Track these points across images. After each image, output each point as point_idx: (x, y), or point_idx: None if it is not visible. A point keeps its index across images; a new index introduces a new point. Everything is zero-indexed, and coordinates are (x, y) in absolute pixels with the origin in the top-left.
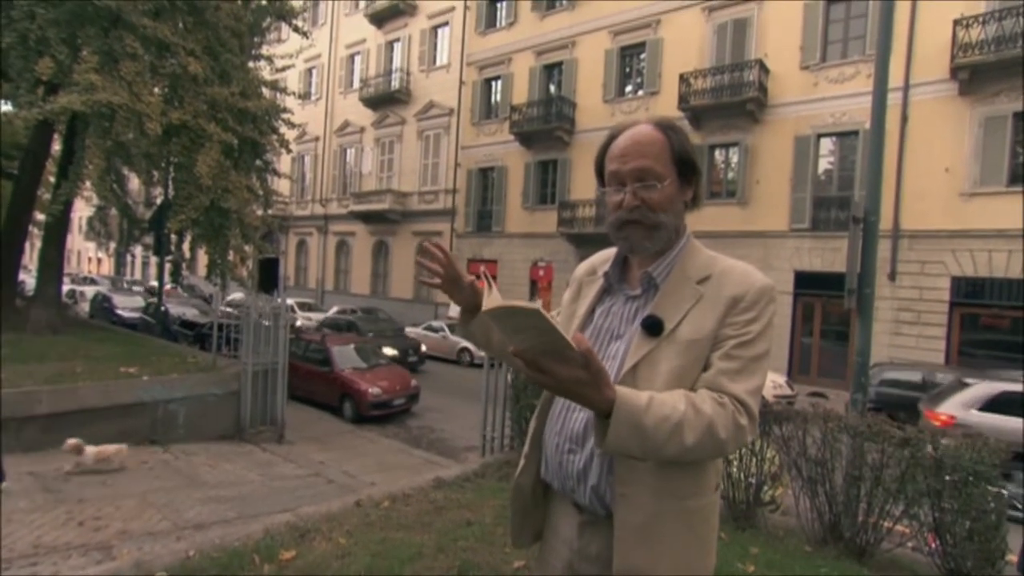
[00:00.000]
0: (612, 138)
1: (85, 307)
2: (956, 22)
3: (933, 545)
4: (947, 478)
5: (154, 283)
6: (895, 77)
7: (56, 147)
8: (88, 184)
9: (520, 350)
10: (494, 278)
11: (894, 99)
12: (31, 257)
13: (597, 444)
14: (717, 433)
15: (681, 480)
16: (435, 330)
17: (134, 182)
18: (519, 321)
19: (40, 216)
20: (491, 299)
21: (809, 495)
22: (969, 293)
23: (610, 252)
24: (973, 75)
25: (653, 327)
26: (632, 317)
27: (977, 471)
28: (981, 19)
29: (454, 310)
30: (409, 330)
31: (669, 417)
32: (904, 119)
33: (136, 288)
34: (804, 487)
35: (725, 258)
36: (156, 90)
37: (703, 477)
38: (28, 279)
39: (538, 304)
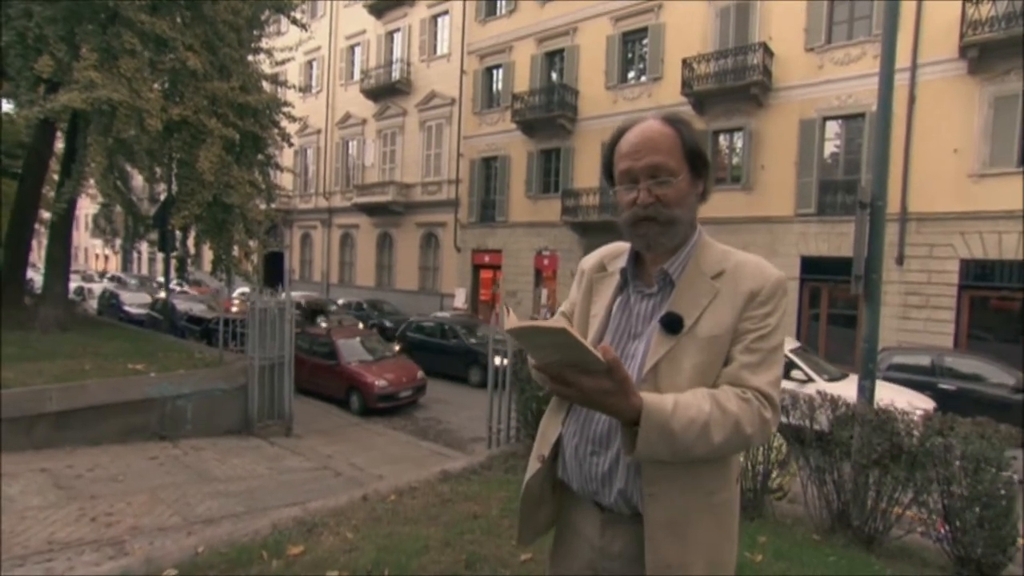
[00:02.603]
0: (620, 135)
1: (93, 304)
2: None
3: (943, 531)
4: (956, 463)
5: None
6: (902, 57)
7: (60, 145)
8: (92, 182)
9: (544, 364)
10: (498, 268)
11: (901, 80)
12: (39, 255)
13: (626, 452)
14: (744, 429)
15: (707, 475)
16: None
17: (139, 178)
18: (543, 338)
19: (46, 214)
20: (511, 319)
21: (817, 483)
22: (978, 276)
23: (618, 247)
24: (982, 53)
25: (672, 325)
26: (650, 315)
27: (987, 457)
28: None
29: (459, 300)
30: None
31: (696, 419)
32: (912, 100)
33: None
34: (812, 475)
35: (736, 252)
36: (156, 86)
37: (727, 471)
38: (37, 277)
39: (563, 322)
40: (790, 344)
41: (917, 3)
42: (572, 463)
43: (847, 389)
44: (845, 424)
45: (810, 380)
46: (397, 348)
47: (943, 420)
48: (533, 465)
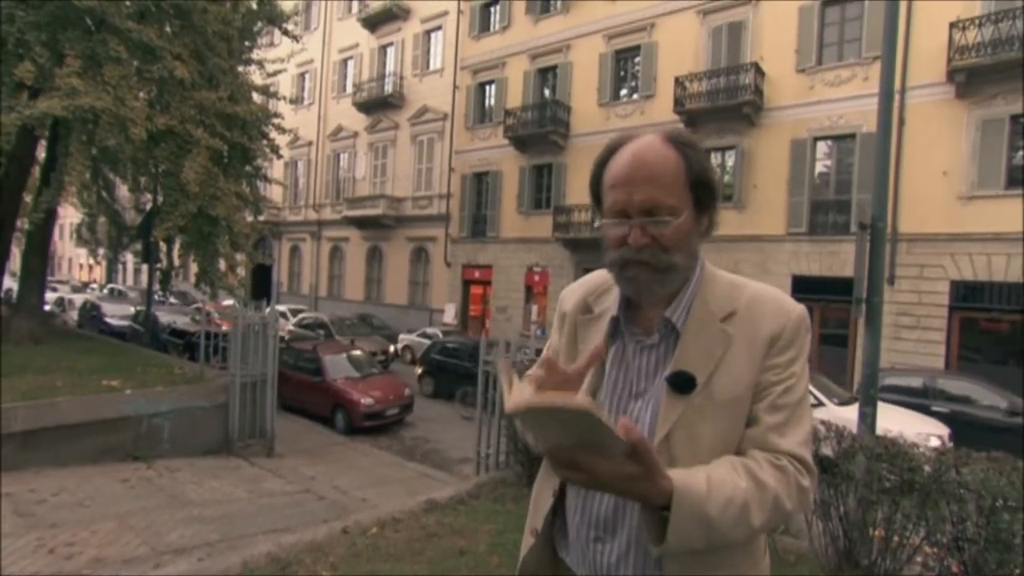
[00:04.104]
0: (610, 154)
1: (74, 315)
2: (952, 24)
3: (957, 572)
4: (962, 491)
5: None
6: None
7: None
8: (74, 190)
9: (552, 448)
10: (489, 284)
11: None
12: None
13: (653, 543)
14: (783, 505)
15: (736, 555)
16: (430, 337)
17: (125, 188)
18: (555, 417)
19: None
20: (518, 392)
21: (822, 518)
22: (967, 297)
23: (602, 279)
24: (970, 77)
25: (683, 384)
26: (653, 370)
27: (1005, 495)
28: (977, 21)
29: (449, 316)
30: (403, 337)
31: (733, 499)
32: (901, 122)
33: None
34: (816, 510)
35: (747, 284)
36: (142, 95)
37: (755, 547)
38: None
39: (585, 400)
40: None
41: (906, 28)
42: (574, 545)
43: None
44: (852, 457)
45: (820, 404)
46: (419, 371)
47: (957, 454)
48: (527, 540)
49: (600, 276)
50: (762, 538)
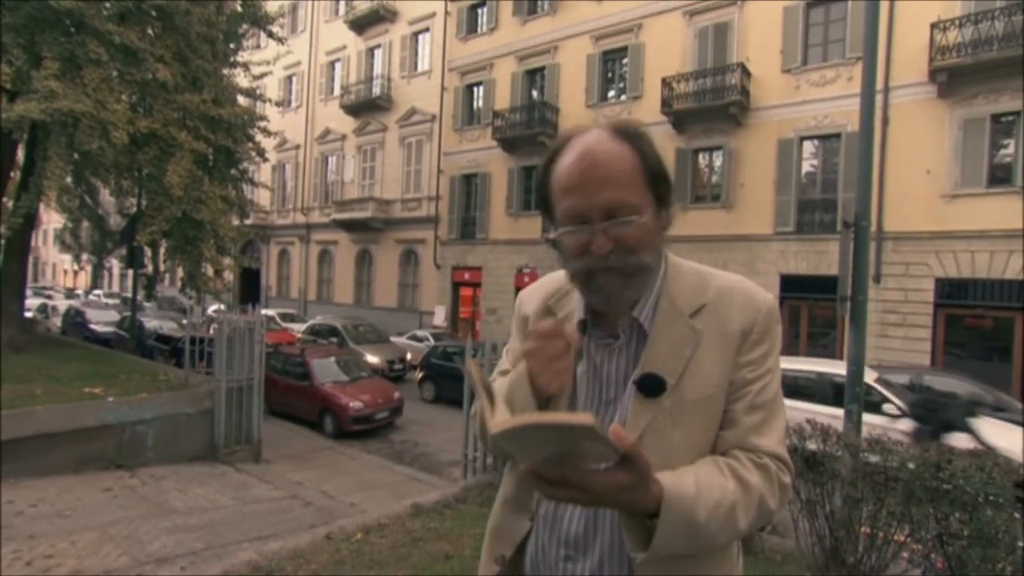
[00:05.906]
0: (556, 154)
1: (57, 322)
2: (933, 25)
3: (941, 568)
4: (946, 487)
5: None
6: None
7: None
8: (54, 195)
9: (540, 465)
10: (478, 286)
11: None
12: None
13: (635, 550)
14: (767, 505)
15: (713, 556)
16: (419, 339)
17: (108, 192)
18: (545, 434)
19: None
20: (501, 414)
21: (808, 517)
22: (952, 294)
23: (562, 282)
24: (951, 77)
25: (653, 387)
26: (622, 375)
27: (987, 492)
28: (958, 22)
29: (439, 318)
30: (394, 339)
31: (721, 502)
32: (885, 121)
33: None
34: (803, 509)
35: (713, 274)
36: (123, 97)
37: (730, 549)
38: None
39: (587, 416)
40: (871, 375)
41: (888, 28)
42: (540, 565)
43: None
44: (837, 455)
45: (904, 415)
46: (419, 376)
47: (940, 452)
48: (490, 567)
49: (559, 277)
50: (735, 542)
